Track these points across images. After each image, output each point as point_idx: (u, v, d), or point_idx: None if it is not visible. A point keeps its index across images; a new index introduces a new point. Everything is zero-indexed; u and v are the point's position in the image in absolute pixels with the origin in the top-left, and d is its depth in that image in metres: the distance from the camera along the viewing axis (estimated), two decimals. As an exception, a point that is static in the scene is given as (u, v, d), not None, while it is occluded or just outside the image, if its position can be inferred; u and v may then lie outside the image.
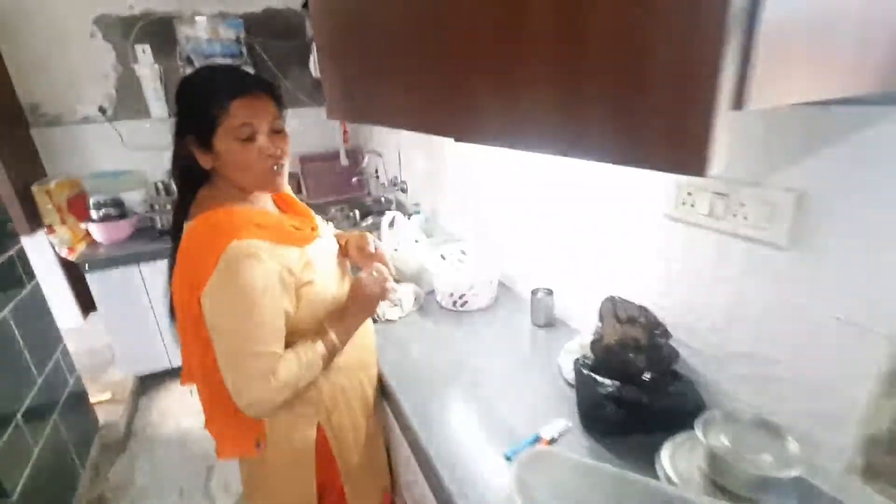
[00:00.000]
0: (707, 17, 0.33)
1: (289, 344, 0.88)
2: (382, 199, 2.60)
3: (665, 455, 0.75)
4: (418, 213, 2.10)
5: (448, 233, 1.91)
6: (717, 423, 0.72)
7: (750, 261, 0.77)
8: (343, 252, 1.09)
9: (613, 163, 0.46)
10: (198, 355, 0.88)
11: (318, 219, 1.06)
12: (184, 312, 0.85)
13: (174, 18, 2.59)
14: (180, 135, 0.86)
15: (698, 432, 0.70)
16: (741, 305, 0.81)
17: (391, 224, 1.60)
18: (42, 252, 2.42)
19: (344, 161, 2.97)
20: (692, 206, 0.83)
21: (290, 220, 0.94)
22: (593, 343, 0.93)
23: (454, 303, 1.39)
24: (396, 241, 1.55)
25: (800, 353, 0.74)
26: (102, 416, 2.22)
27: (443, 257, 1.52)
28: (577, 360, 0.96)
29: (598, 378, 0.88)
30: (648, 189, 0.94)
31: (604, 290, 1.08)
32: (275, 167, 0.86)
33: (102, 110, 2.59)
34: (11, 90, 2.40)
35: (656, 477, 0.73)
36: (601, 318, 0.96)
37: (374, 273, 1.00)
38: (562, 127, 0.51)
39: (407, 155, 2.32)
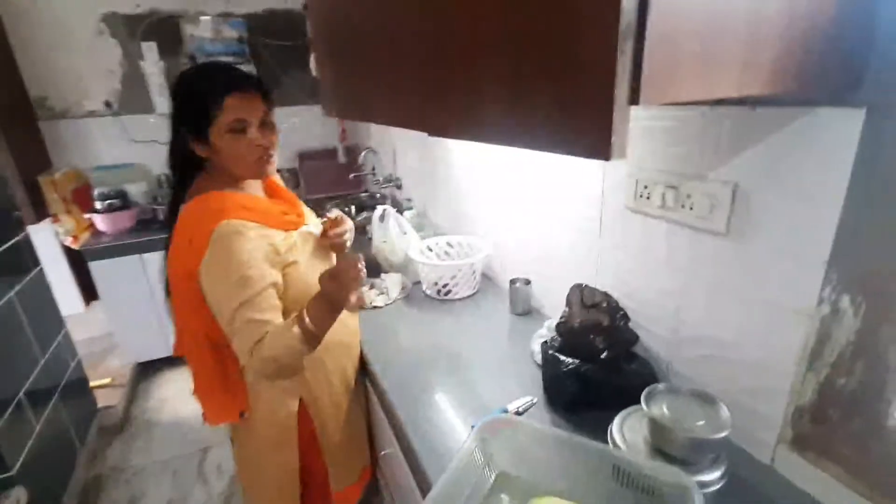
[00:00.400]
0: (603, 31, 0.41)
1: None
2: (378, 195, 2.67)
3: (615, 425, 0.82)
4: (410, 208, 2.18)
5: (437, 227, 1.99)
6: (659, 395, 0.79)
7: (696, 248, 0.85)
8: (322, 234, 1.12)
9: (545, 150, 0.54)
10: (190, 328, 0.95)
11: (304, 207, 1.14)
12: (177, 287, 0.93)
13: (179, 18, 2.68)
14: (177, 126, 0.94)
15: (643, 403, 0.77)
16: (690, 290, 0.88)
17: (381, 217, 1.67)
18: (47, 241, 2.50)
19: (342, 158, 3.05)
20: (647, 198, 0.90)
21: (278, 206, 1.02)
22: (559, 325, 1.00)
23: (438, 292, 1.47)
24: (385, 232, 1.62)
25: (740, 334, 0.81)
26: (101, 400, 2.29)
27: (429, 249, 1.60)
28: (545, 342, 1.03)
29: (562, 357, 0.95)
30: (613, 185, 1.01)
31: (574, 279, 1.15)
32: (264, 157, 0.94)
33: (108, 105, 2.68)
34: (21, 84, 2.49)
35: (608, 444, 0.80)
36: (569, 304, 1.03)
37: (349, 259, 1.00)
38: (505, 123, 0.59)
39: (402, 153, 2.40)
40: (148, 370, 2.70)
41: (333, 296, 0.92)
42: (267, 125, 0.94)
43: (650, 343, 0.99)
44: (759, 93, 0.49)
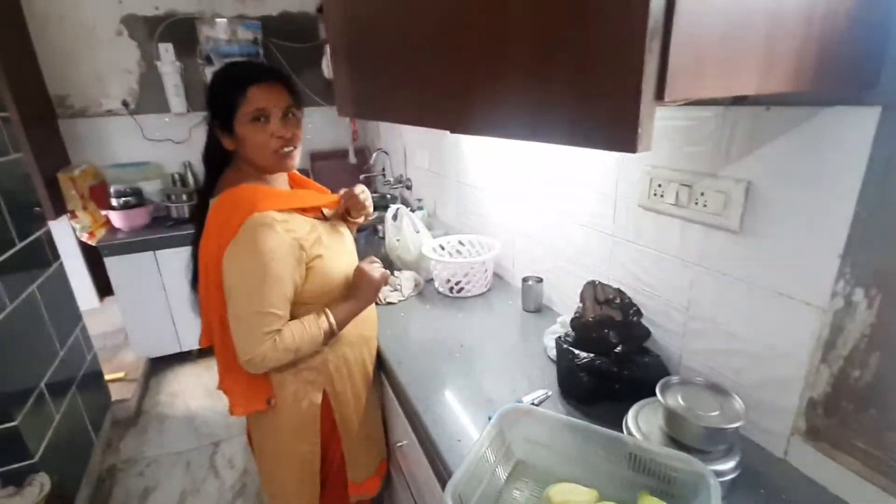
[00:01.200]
0: (632, 31, 0.43)
1: (294, 315, 0.98)
2: (388, 195, 2.70)
3: (630, 416, 0.84)
4: (421, 208, 2.21)
5: (448, 226, 2.02)
6: (674, 386, 0.81)
7: (709, 244, 0.87)
8: (341, 212, 1.16)
9: (569, 144, 0.56)
10: (217, 316, 0.98)
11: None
12: (207, 277, 0.96)
13: (196, 19, 2.73)
14: (209, 121, 0.98)
15: (658, 394, 0.79)
16: (702, 285, 0.90)
17: (394, 216, 1.70)
18: (64, 237, 2.55)
19: (352, 159, 3.09)
20: (661, 196, 0.92)
21: (307, 193, 1.06)
22: (573, 320, 1.02)
23: (451, 289, 1.49)
24: (399, 231, 1.65)
25: (752, 328, 0.83)
26: (115, 393, 2.33)
27: (441, 247, 1.62)
28: (559, 337, 1.05)
29: (576, 351, 0.97)
30: (626, 183, 1.03)
31: (586, 277, 1.17)
32: (285, 148, 0.97)
33: (125, 104, 2.73)
34: (42, 83, 2.54)
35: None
36: (582, 300, 1.05)
37: (374, 262, 1.10)
38: (529, 118, 0.61)
39: (412, 154, 2.43)
40: (159, 365, 2.74)
41: (364, 297, 1.05)
42: (290, 118, 0.97)
43: (662, 337, 1.01)
44: (778, 91, 0.52)
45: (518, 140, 0.67)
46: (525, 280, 1.37)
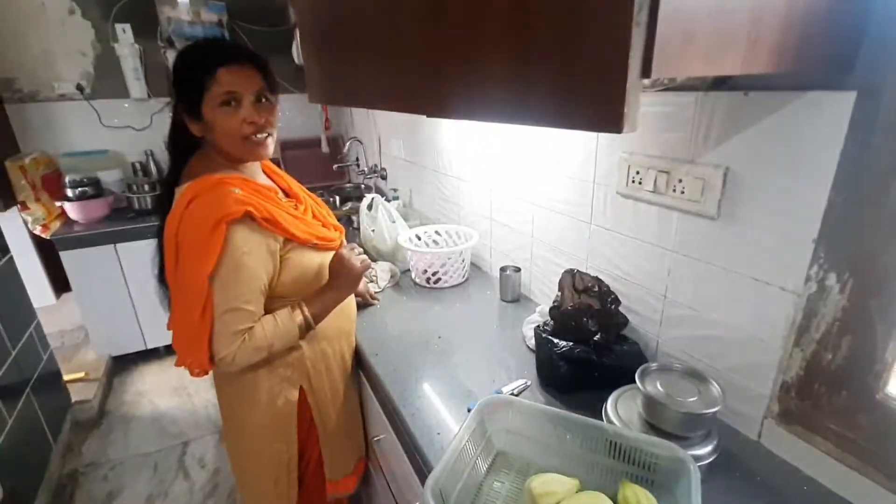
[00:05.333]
0: (617, 4, 0.41)
1: (270, 310, 0.94)
2: (362, 185, 2.65)
3: (609, 403, 0.84)
4: (396, 198, 2.17)
5: (424, 216, 1.98)
6: (653, 373, 0.81)
7: (686, 231, 0.87)
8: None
9: (551, 125, 0.54)
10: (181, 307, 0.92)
11: (305, 192, 1.12)
12: (172, 268, 0.90)
13: (155, -1, 2.59)
14: (175, 104, 0.91)
15: (637, 381, 0.79)
16: (679, 272, 0.90)
17: (370, 206, 1.66)
18: (14, 229, 2.39)
19: (325, 148, 3.01)
20: (639, 183, 0.92)
21: (281, 198, 1.01)
22: (552, 309, 1.02)
23: (428, 280, 1.47)
24: (374, 221, 1.61)
25: (728, 313, 0.83)
26: (75, 394, 2.22)
27: (418, 237, 1.59)
28: (538, 326, 1.04)
29: (555, 340, 0.96)
30: (604, 171, 1.03)
31: (564, 266, 1.16)
32: (258, 135, 0.91)
33: (80, 88, 2.57)
34: (-15, 64, 2.36)
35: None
36: (561, 289, 1.04)
37: (353, 248, 1.04)
38: (509, 98, 0.59)
39: (386, 143, 2.38)
40: (123, 363, 2.62)
41: (341, 287, 1.00)
42: (263, 103, 0.92)
43: (640, 324, 1.01)
44: (762, 71, 0.51)
45: (497, 123, 0.65)
46: (503, 270, 1.35)
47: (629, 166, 0.94)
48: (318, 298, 0.98)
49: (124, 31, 2.53)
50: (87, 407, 2.23)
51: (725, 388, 0.79)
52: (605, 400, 0.86)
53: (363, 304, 1.35)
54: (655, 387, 0.78)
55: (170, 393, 2.42)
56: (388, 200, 1.97)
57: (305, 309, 0.95)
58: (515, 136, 1.31)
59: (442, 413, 0.93)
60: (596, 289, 1.02)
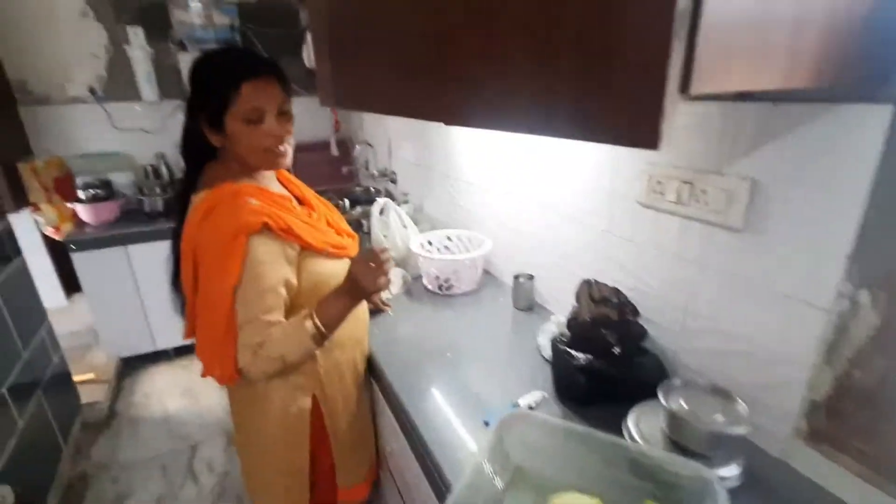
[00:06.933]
0: (657, 17, 0.39)
1: (289, 315, 0.93)
2: (372, 189, 2.64)
3: (631, 419, 0.82)
4: (406, 202, 2.16)
5: (435, 221, 1.97)
6: (676, 389, 0.79)
7: (710, 242, 0.85)
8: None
9: (579, 139, 0.52)
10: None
11: (318, 199, 1.11)
12: (190, 278, 0.89)
13: (168, 2, 2.60)
14: (192, 112, 0.90)
15: (660, 397, 0.77)
16: (701, 283, 0.88)
17: (381, 210, 1.65)
18: (27, 231, 2.41)
19: (334, 151, 3.00)
20: (661, 193, 0.90)
21: (296, 207, 1.00)
22: (569, 321, 1.00)
23: (440, 287, 1.45)
24: (386, 226, 1.60)
25: (752, 328, 0.81)
26: (85, 396, 2.22)
27: (430, 243, 1.58)
28: (555, 337, 1.02)
29: (573, 352, 0.95)
30: (622, 179, 1.01)
31: (580, 275, 1.15)
32: (280, 147, 0.91)
33: (92, 91, 2.59)
34: (0, 67, 2.38)
35: (623, 438, 0.80)
36: (578, 299, 1.03)
37: (372, 262, 0.95)
38: (535, 109, 0.57)
39: (397, 146, 2.37)
40: (133, 365, 2.63)
41: (351, 298, 0.95)
42: (284, 115, 0.92)
43: (659, 337, 0.99)
44: (801, 86, 0.49)
45: (520, 133, 0.63)
46: (516, 277, 1.34)
47: (651, 176, 0.92)
48: (329, 305, 0.94)
49: (136, 34, 2.53)
50: (97, 408, 2.24)
51: (750, 404, 0.77)
52: (624, 414, 0.85)
53: (374, 311, 1.34)
54: (680, 403, 0.76)
55: (179, 395, 2.42)
56: (399, 205, 1.96)
57: (315, 318, 0.91)
58: (531, 141, 1.30)
59: (456, 425, 0.92)
60: (614, 299, 1.00)
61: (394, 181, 2.45)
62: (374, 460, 1.26)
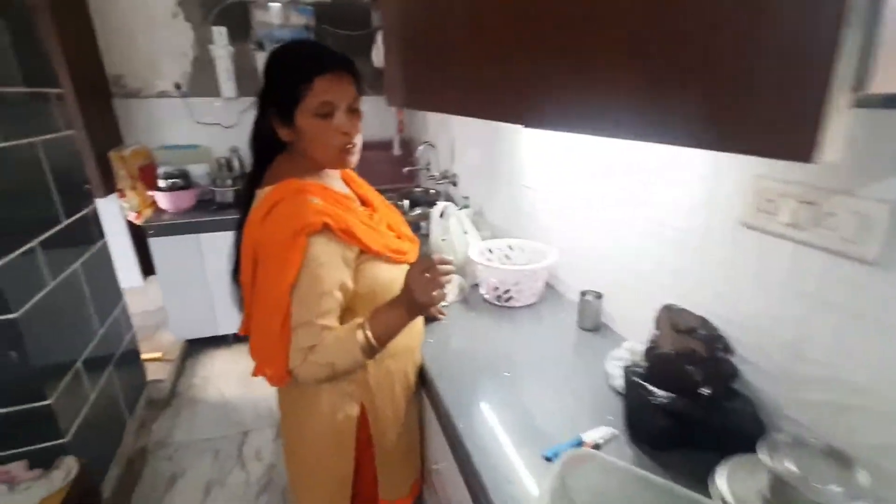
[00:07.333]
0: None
1: (345, 321, 0.89)
2: (432, 190, 2.61)
3: (721, 476, 0.70)
4: (467, 206, 2.09)
5: (495, 227, 1.89)
6: (783, 446, 0.67)
7: (832, 275, 0.71)
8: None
9: (703, 147, 0.43)
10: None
11: (381, 200, 1.08)
12: (249, 272, 0.88)
13: (250, 3, 2.71)
14: (264, 105, 0.89)
15: (763, 455, 0.65)
16: (816, 322, 0.75)
17: (442, 213, 1.59)
18: (112, 215, 2.59)
19: (397, 151, 3.01)
20: (772, 213, 0.77)
21: (358, 207, 0.97)
22: (648, 350, 0.89)
23: (498, 297, 1.38)
24: (446, 230, 1.55)
25: (880, 379, 0.67)
26: (151, 374, 2.35)
27: (490, 251, 1.51)
28: (628, 367, 0.92)
29: (651, 387, 0.84)
30: (723, 193, 0.89)
31: (659, 298, 1.03)
32: (348, 145, 0.88)
33: (178, 86, 2.75)
34: (100, 62, 2.58)
35: (708, 496, 0.69)
36: (658, 326, 0.91)
37: (428, 273, 0.86)
38: (645, 110, 0.48)
39: (461, 148, 2.32)
40: (196, 347, 2.76)
41: (406, 311, 0.89)
42: (354, 112, 0.89)
43: (755, 380, 0.86)
44: None
45: (617, 138, 0.55)
46: (583, 294, 1.23)
47: (760, 192, 0.79)
48: (383, 316, 0.89)
49: (220, 34, 2.66)
50: (161, 386, 2.36)
51: (874, 473, 0.63)
52: (707, 466, 0.73)
53: (428, 318, 1.28)
54: (786, 464, 0.64)
55: (235, 381, 2.50)
56: (459, 208, 1.90)
57: (368, 330, 0.87)
58: (609, 146, 1.19)
59: (510, 452, 0.84)
60: (701, 331, 0.88)
61: (454, 184, 2.40)
62: (419, 475, 1.21)
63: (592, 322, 1.23)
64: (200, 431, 2.16)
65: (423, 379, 1.13)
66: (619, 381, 0.97)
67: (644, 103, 0.49)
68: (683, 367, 0.84)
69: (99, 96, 2.57)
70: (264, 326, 0.87)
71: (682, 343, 0.88)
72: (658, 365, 0.87)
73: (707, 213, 0.93)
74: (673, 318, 0.92)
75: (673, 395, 0.82)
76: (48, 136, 1.59)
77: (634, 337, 1.16)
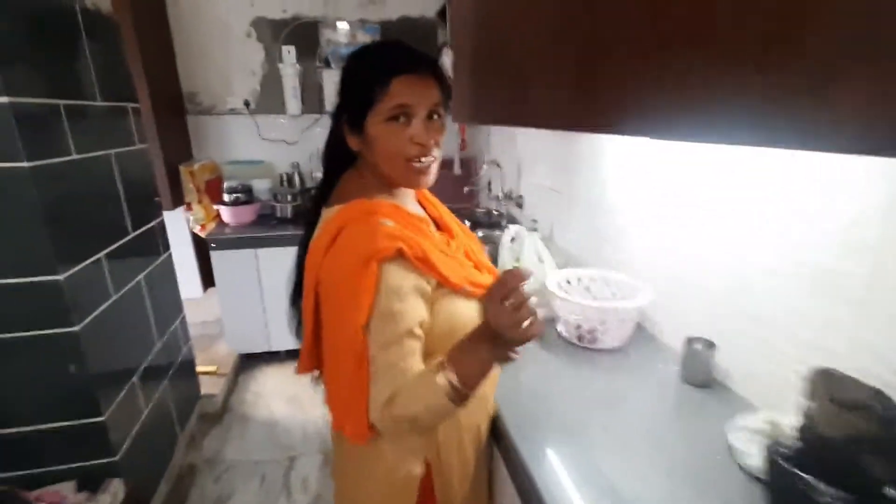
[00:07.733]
0: None
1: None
2: (494, 211, 2.47)
3: None
4: (535, 230, 1.93)
5: (568, 255, 1.72)
6: None
7: None
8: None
9: (850, 153, 0.26)
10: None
11: (458, 225, 0.95)
12: (311, 303, 0.77)
13: (319, 23, 2.74)
14: (338, 113, 0.80)
15: None
16: None
17: (513, 239, 1.45)
18: (178, 227, 2.65)
19: (457, 169, 2.91)
20: None
21: (434, 232, 0.84)
22: (803, 429, 0.69)
23: (580, 337, 1.20)
24: (517, 257, 1.40)
25: None
26: (204, 387, 2.33)
27: (568, 282, 1.34)
28: (771, 446, 0.72)
29: (811, 479, 0.64)
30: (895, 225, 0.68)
31: (795, 354, 0.83)
32: (422, 159, 0.76)
33: (247, 104, 2.81)
34: (176, 79, 2.68)
35: None
36: (811, 397, 0.71)
37: (507, 301, 0.64)
38: (779, 112, 0.32)
39: (528, 167, 2.18)
40: (249, 362, 2.74)
41: (486, 351, 0.68)
42: (435, 120, 0.77)
43: (961, 481, 0.64)
44: None
45: (742, 146, 0.39)
46: (689, 342, 1.04)
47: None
48: (467, 356, 0.70)
49: (289, 53, 2.70)
50: (213, 401, 2.33)
51: None
52: None
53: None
54: None
55: (285, 401, 2.44)
56: (528, 232, 1.75)
57: (452, 374, 0.68)
58: (720, 161, 1.01)
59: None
60: (876, 407, 0.67)
61: (520, 205, 2.26)
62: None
63: (703, 376, 1.03)
64: (249, 452, 2.09)
65: (494, 427, 0.97)
66: (752, 461, 0.76)
67: (785, 104, 0.33)
68: (857, 457, 0.63)
69: (174, 112, 2.66)
70: (338, 374, 0.75)
71: (848, 421, 0.67)
72: (818, 451, 0.66)
73: (868, 247, 0.72)
74: (831, 387, 0.71)
75: (845, 493, 0.62)
76: (123, 150, 1.61)
77: (760, 400, 0.95)
